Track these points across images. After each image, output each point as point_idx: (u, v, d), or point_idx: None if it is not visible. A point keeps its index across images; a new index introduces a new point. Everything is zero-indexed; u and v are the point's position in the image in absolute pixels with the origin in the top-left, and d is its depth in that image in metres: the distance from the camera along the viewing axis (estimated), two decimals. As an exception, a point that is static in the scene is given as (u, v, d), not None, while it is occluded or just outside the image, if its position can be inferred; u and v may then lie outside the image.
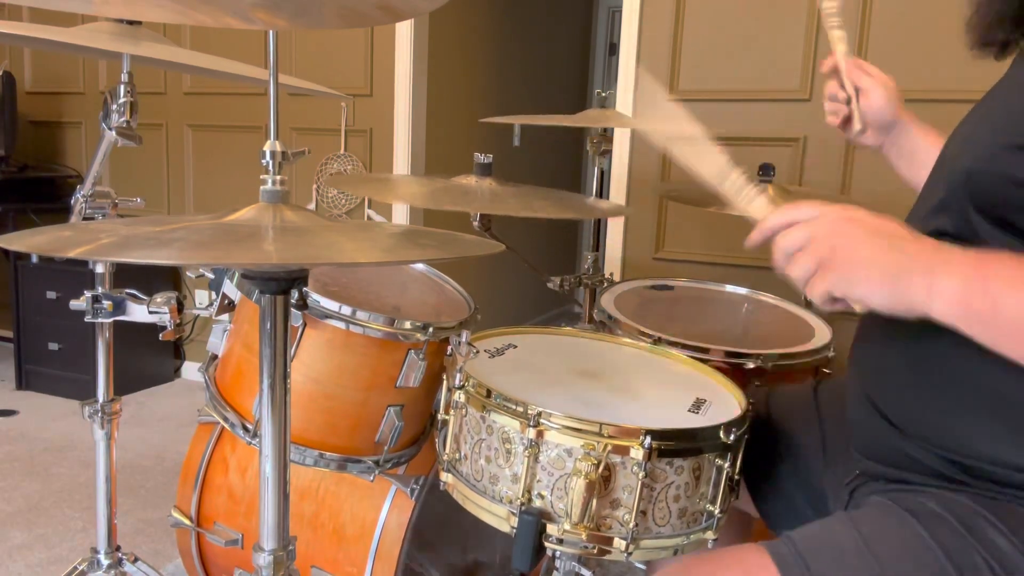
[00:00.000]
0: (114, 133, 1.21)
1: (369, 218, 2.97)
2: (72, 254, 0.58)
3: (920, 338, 0.81)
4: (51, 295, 3.04)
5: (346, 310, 1.13)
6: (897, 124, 1.14)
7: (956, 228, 0.79)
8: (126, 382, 3.09)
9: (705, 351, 1.26)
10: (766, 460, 1.06)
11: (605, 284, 1.72)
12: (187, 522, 1.43)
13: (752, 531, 1.23)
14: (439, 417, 1.05)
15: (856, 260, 0.70)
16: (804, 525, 0.80)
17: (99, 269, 1.25)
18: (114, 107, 1.20)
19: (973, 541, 0.70)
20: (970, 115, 0.87)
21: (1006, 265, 0.65)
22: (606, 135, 1.71)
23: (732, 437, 0.91)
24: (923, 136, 1.12)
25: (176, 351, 3.41)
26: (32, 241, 0.61)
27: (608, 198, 2.48)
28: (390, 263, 1.42)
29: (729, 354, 1.27)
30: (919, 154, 1.10)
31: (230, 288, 1.23)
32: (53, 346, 3.07)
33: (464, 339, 1.03)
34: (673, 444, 0.88)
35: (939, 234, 0.81)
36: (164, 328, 1.17)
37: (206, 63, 1.30)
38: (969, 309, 0.65)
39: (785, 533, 0.79)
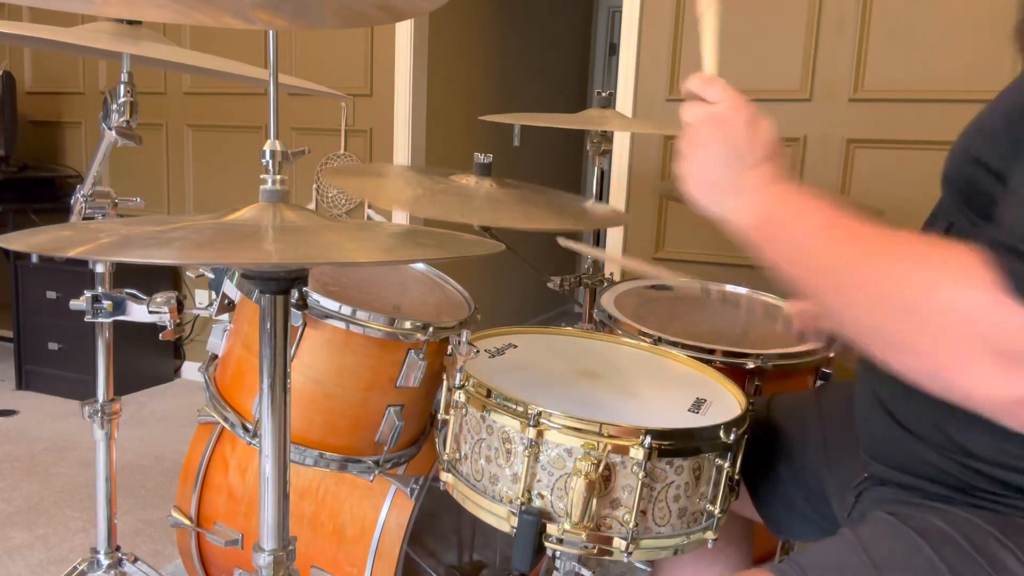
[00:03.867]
0: (114, 133, 1.20)
1: (369, 218, 2.97)
2: (72, 254, 0.58)
3: None
4: (51, 295, 3.04)
5: (346, 310, 1.13)
6: None
7: (947, 229, 0.78)
8: (126, 382, 3.09)
9: (705, 351, 1.26)
10: (766, 461, 1.06)
11: (605, 284, 1.72)
12: (187, 522, 1.43)
13: (753, 533, 1.23)
14: (439, 417, 1.05)
15: (697, 161, 0.76)
16: (812, 547, 0.79)
17: (99, 269, 1.24)
18: (114, 107, 1.20)
19: (984, 563, 0.70)
20: None
21: (800, 204, 0.70)
22: (606, 135, 1.71)
23: (732, 437, 0.91)
24: None
25: (176, 351, 3.40)
26: (32, 241, 0.61)
27: (608, 198, 2.48)
28: (390, 263, 1.42)
29: (729, 354, 1.27)
30: None
31: (230, 288, 1.23)
32: (53, 346, 3.07)
33: (464, 339, 1.03)
34: (673, 444, 0.88)
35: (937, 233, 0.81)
36: (164, 328, 1.17)
37: (206, 63, 1.30)
38: (760, 232, 0.71)
39: (792, 556, 0.78)
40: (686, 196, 0.76)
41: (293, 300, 0.78)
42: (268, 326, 0.76)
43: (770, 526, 1.08)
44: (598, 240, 1.85)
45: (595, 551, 0.89)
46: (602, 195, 1.85)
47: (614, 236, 2.52)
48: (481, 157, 1.41)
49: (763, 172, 0.73)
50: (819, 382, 1.38)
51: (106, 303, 1.19)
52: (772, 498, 1.06)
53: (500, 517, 0.92)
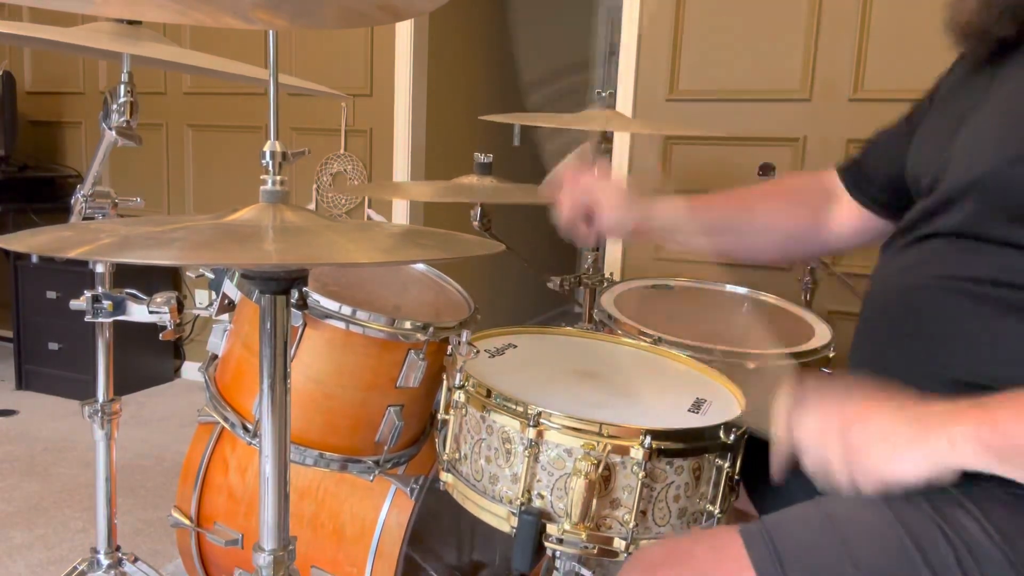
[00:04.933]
0: (114, 133, 1.20)
1: (369, 218, 2.97)
2: (72, 254, 0.58)
3: (921, 339, 0.81)
4: (51, 295, 3.04)
5: (346, 310, 1.12)
6: (640, 218, 1.08)
7: (964, 227, 0.79)
8: (126, 382, 3.09)
9: (705, 351, 1.26)
10: (764, 460, 1.06)
11: (605, 284, 1.72)
12: (187, 522, 1.43)
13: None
14: (439, 417, 1.05)
15: (873, 439, 0.71)
16: (780, 512, 0.80)
17: (99, 269, 1.24)
18: (114, 107, 1.20)
19: (940, 521, 0.70)
20: (973, 115, 0.86)
21: (1007, 401, 0.68)
22: (606, 135, 1.71)
23: (732, 437, 0.91)
24: (683, 211, 1.09)
25: (176, 351, 3.40)
26: (32, 241, 0.61)
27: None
28: (390, 263, 1.42)
29: (729, 354, 1.27)
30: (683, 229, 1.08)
31: (230, 288, 1.23)
32: (53, 346, 3.07)
33: (464, 339, 1.03)
34: (673, 444, 0.88)
35: (944, 235, 0.81)
36: (164, 328, 1.17)
37: (206, 63, 1.30)
38: (990, 449, 0.67)
39: (762, 520, 0.79)
40: (900, 481, 0.71)
41: (293, 300, 0.78)
42: (268, 326, 0.76)
43: None
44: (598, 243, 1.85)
45: (595, 551, 0.89)
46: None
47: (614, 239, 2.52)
48: (481, 157, 1.41)
49: (928, 405, 0.71)
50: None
51: (106, 303, 1.19)
52: (769, 495, 1.07)
53: (500, 517, 0.92)
